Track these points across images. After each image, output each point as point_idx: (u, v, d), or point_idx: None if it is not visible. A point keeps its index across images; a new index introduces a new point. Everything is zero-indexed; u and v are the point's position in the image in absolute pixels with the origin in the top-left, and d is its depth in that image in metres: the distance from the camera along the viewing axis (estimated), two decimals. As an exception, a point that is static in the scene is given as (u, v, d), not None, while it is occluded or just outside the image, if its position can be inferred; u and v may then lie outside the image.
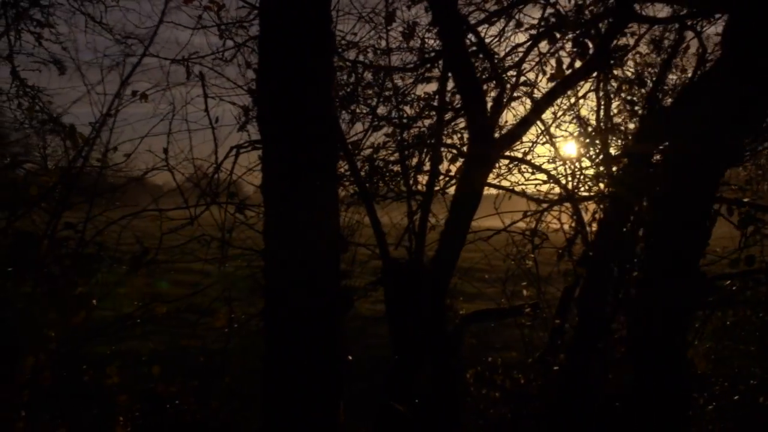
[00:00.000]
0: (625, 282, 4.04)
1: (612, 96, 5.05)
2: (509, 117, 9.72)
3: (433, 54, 4.72)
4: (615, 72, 4.92)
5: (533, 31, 4.40)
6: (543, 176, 5.21)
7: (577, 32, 3.72)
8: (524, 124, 3.97)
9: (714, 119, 2.97)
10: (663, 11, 6.63)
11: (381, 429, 4.10)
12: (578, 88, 4.99)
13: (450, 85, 4.47)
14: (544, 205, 5.25)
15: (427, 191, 4.53)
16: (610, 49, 3.87)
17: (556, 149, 5.29)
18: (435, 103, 4.71)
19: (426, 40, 4.73)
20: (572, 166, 5.23)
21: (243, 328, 4.57)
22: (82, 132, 3.51)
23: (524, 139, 4.82)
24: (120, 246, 3.66)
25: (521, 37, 8.30)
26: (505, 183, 5.28)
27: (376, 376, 4.61)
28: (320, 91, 2.67)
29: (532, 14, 8.11)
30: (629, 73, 5.05)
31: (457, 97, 4.61)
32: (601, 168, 4.86)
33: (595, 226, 4.73)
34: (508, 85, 4.61)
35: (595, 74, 4.70)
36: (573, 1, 4.07)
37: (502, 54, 4.75)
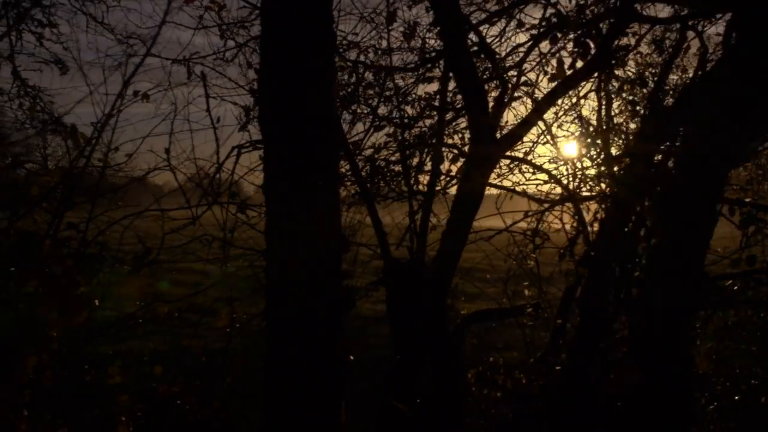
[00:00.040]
0: (626, 282, 4.04)
1: (613, 96, 5.06)
2: (510, 117, 9.72)
3: (433, 54, 4.72)
4: (616, 72, 4.92)
5: (534, 31, 4.41)
6: (544, 176, 5.21)
7: (579, 32, 3.72)
8: (526, 125, 3.97)
9: (716, 119, 2.97)
10: (664, 11, 6.64)
11: (382, 429, 4.10)
12: (579, 88, 5.00)
13: (451, 85, 4.47)
14: (546, 205, 5.25)
15: (428, 191, 4.53)
16: (612, 49, 3.87)
17: (557, 149, 5.29)
18: (436, 103, 4.72)
19: (427, 40, 4.75)
20: (573, 166, 5.24)
21: (244, 328, 4.58)
22: (83, 132, 3.52)
23: (525, 138, 4.82)
24: (122, 246, 3.66)
25: (522, 38, 8.31)
26: (506, 183, 5.29)
27: (377, 376, 4.61)
28: (321, 91, 2.67)
29: (533, 14, 8.11)
30: (630, 73, 5.06)
31: (458, 97, 4.61)
32: (603, 168, 4.86)
33: (596, 226, 4.74)
34: (509, 85, 4.61)
35: (596, 74, 4.70)
36: (574, 1, 4.07)
37: (503, 54, 4.75)
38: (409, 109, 4.93)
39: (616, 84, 5.00)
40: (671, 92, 5.00)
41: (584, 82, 4.80)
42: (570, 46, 4.16)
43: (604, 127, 4.95)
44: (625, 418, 3.30)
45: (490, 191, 4.98)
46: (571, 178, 5.21)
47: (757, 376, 5.01)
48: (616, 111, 5.12)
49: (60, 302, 3.07)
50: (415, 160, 4.91)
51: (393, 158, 4.99)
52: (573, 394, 4.02)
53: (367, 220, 4.47)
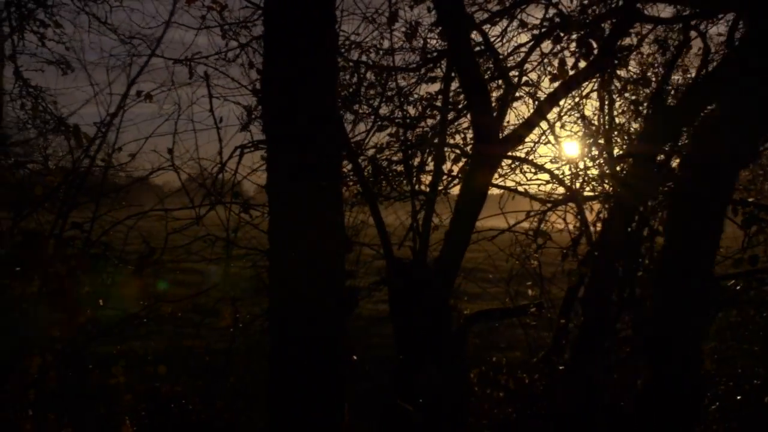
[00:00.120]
0: (629, 282, 4.04)
1: (615, 96, 5.05)
2: (511, 117, 9.72)
3: (435, 54, 4.73)
4: (618, 72, 4.92)
5: (536, 31, 4.40)
6: (546, 176, 5.21)
7: (581, 32, 3.72)
8: (528, 125, 3.97)
9: (725, 119, 2.96)
10: (666, 11, 6.63)
11: (386, 429, 4.10)
12: (582, 87, 4.99)
13: (453, 85, 4.48)
14: (548, 205, 5.25)
15: (430, 191, 4.53)
16: (615, 49, 3.87)
17: (559, 149, 5.29)
18: (438, 103, 4.72)
19: (428, 40, 4.75)
20: (576, 166, 5.23)
21: (248, 328, 4.58)
22: (86, 132, 3.53)
23: (527, 138, 4.82)
24: (126, 246, 3.67)
25: (524, 38, 8.30)
26: (508, 183, 5.29)
27: (380, 376, 4.61)
28: (324, 91, 2.67)
29: (535, 14, 8.11)
30: (633, 73, 5.05)
31: (460, 97, 4.61)
32: (605, 168, 4.86)
33: (599, 226, 4.74)
34: (511, 85, 4.61)
35: (598, 74, 4.70)
36: (576, 1, 4.08)
37: (505, 54, 4.75)
38: (411, 109, 4.93)
39: (618, 84, 5.00)
40: (674, 92, 5.00)
41: (587, 82, 4.80)
42: (572, 46, 4.17)
43: (607, 127, 4.95)
44: (628, 418, 3.30)
45: (493, 191, 4.98)
46: (573, 178, 5.21)
47: (759, 376, 5.01)
48: (619, 111, 5.11)
49: (64, 302, 3.08)
50: (418, 160, 4.92)
51: (395, 158, 5.00)
52: (576, 394, 4.02)
53: (370, 220, 4.47)
